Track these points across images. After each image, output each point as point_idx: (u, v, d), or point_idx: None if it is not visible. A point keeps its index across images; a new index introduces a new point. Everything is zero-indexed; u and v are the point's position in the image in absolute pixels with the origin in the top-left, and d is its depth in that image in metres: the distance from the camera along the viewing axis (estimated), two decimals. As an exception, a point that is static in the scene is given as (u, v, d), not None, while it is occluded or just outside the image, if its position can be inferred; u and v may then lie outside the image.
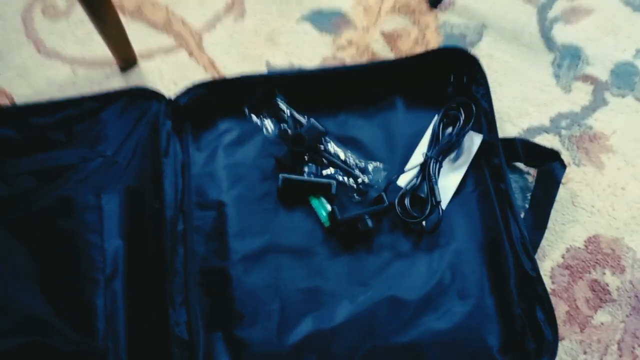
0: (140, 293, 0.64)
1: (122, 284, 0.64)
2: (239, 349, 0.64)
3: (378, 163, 0.71)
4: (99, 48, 0.81)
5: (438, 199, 0.68)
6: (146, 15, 0.85)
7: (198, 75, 0.81)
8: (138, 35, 0.83)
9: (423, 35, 0.83)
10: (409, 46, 0.83)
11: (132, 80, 0.80)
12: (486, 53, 0.83)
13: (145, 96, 0.73)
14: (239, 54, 0.82)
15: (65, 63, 0.81)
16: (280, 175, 0.70)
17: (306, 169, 0.71)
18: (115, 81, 0.80)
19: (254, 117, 0.74)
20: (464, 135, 0.73)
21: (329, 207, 0.70)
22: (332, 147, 0.72)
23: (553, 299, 0.68)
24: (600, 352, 0.66)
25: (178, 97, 0.73)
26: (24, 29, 0.84)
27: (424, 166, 0.71)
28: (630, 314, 0.68)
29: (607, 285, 0.69)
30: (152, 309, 0.63)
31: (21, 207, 0.68)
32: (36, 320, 0.61)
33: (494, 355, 0.64)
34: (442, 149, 0.71)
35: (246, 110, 0.74)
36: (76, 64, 0.81)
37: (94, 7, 0.67)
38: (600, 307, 0.68)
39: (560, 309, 0.68)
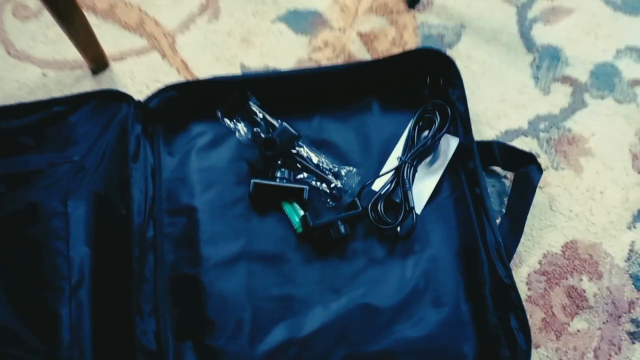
0: (106, 302, 0.63)
1: (88, 293, 0.63)
2: (209, 358, 0.63)
3: (352, 168, 0.70)
4: (70, 50, 0.79)
5: (412, 205, 0.67)
6: (118, 15, 0.83)
7: (171, 77, 0.79)
8: (110, 36, 0.81)
9: (400, 36, 0.82)
10: (386, 47, 0.81)
11: (103, 82, 0.79)
12: (464, 54, 0.81)
13: (115, 99, 0.71)
14: (213, 55, 0.81)
15: (36, 65, 0.80)
16: (252, 181, 0.69)
17: (278, 174, 0.69)
18: (87, 84, 0.79)
19: (227, 120, 0.73)
20: (439, 139, 0.71)
21: (301, 213, 0.68)
22: (306, 151, 0.71)
23: (529, 306, 0.68)
24: (576, 359, 0.65)
25: (148, 100, 0.72)
26: (-7, 31, 0.82)
27: (398, 170, 0.70)
28: (607, 321, 0.67)
29: (584, 291, 0.68)
30: (119, 318, 0.62)
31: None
32: (1, 329, 0.60)
33: (468, 364, 0.63)
34: (417, 153, 0.70)
35: (219, 114, 0.73)
36: (47, 67, 0.80)
37: (60, 10, 0.66)
38: (577, 314, 0.67)
39: (537, 315, 0.67)
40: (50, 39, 0.82)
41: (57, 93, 0.78)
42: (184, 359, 0.63)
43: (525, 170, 0.70)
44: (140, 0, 0.84)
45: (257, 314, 0.65)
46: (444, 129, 0.71)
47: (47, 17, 0.82)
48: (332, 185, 0.69)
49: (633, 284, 0.69)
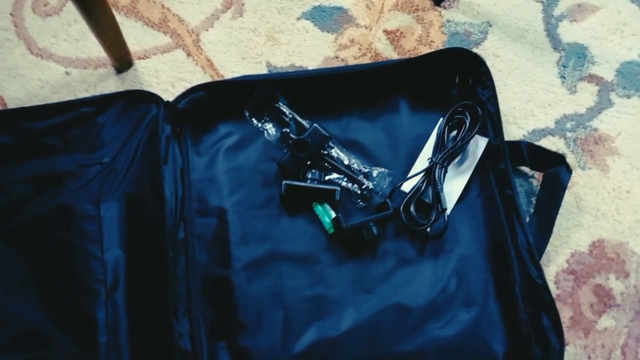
0: (142, 304, 0.63)
1: (123, 296, 0.63)
2: (243, 358, 0.64)
3: (383, 169, 0.70)
4: (94, 47, 0.78)
5: (444, 206, 0.67)
6: (141, 12, 0.82)
7: (196, 75, 0.79)
8: (133, 34, 0.80)
9: (427, 34, 0.82)
10: (412, 45, 0.81)
11: (127, 81, 0.78)
12: (491, 52, 0.81)
13: (143, 99, 0.71)
14: (238, 53, 0.80)
15: (58, 64, 0.79)
16: (284, 182, 0.69)
17: (309, 175, 0.69)
18: (111, 82, 0.78)
19: (254, 120, 0.72)
20: (469, 140, 0.71)
21: (333, 214, 0.69)
22: (336, 152, 0.71)
23: (557, 304, 0.68)
24: (604, 357, 0.67)
25: (177, 100, 0.71)
26: (14, 28, 0.81)
27: (429, 171, 0.70)
28: (634, 319, 0.68)
29: (611, 290, 0.69)
30: (154, 320, 0.62)
31: (18, 215, 0.66)
32: (36, 334, 0.60)
33: (499, 363, 0.64)
34: (448, 154, 0.70)
35: (247, 114, 0.72)
36: (70, 65, 0.79)
37: (89, 8, 0.65)
38: (605, 312, 0.68)
39: (565, 314, 0.68)
40: (73, 37, 0.81)
41: (81, 92, 0.77)
42: (218, 359, 0.63)
43: (555, 171, 0.70)
44: (163, -4, 0.83)
45: (289, 314, 0.65)
46: (475, 130, 0.71)
47: (68, 13, 0.82)
48: (364, 186, 0.69)
49: (660, 283, 0.70)
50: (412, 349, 0.64)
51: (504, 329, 0.65)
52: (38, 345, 0.60)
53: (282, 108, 0.72)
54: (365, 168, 0.70)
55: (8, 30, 0.80)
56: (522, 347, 0.64)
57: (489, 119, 0.72)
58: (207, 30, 0.82)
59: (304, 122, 0.71)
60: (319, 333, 0.65)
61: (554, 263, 0.71)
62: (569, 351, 0.67)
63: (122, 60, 0.77)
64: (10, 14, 0.81)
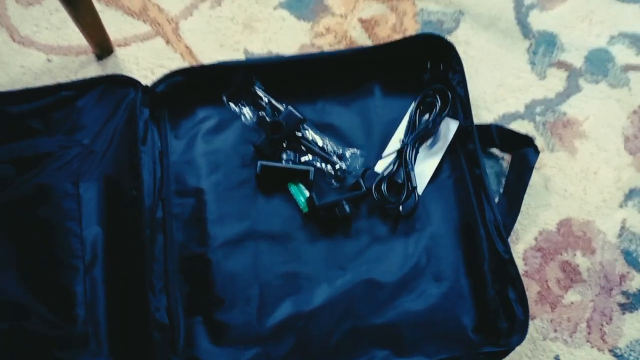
0: (120, 280, 0.65)
1: (101, 271, 0.64)
2: (219, 332, 0.65)
3: (355, 150, 0.72)
4: (75, 35, 0.80)
5: (414, 185, 0.69)
6: (122, 1, 0.84)
7: (175, 62, 0.80)
8: (114, 22, 0.82)
9: (401, 23, 0.84)
10: (386, 33, 0.83)
11: (108, 68, 0.80)
12: (463, 40, 0.84)
13: (122, 84, 0.72)
14: (217, 41, 0.82)
15: (40, 51, 0.81)
16: (259, 163, 0.70)
17: (284, 156, 0.71)
18: (92, 69, 0.80)
19: (232, 105, 0.74)
20: (440, 122, 0.74)
21: (307, 193, 0.71)
22: (310, 134, 0.73)
23: (525, 280, 0.70)
24: (570, 330, 0.69)
25: (155, 85, 0.73)
26: (-3, 16, 0.82)
27: (400, 152, 0.72)
28: (599, 294, 0.70)
29: (578, 266, 0.72)
30: (132, 295, 0.64)
31: (1, 194, 0.67)
32: (15, 305, 0.62)
33: (468, 335, 0.66)
34: (419, 135, 0.72)
35: (224, 98, 0.74)
36: (51, 52, 0.81)
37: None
38: (571, 287, 0.71)
39: (532, 289, 0.70)
40: (54, 25, 0.82)
41: (62, 78, 0.79)
42: (195, 333, 0.65)
43: (522, 151, 0.73)
44: (144, -14, 0.85)
45: (264, 290, 0.67)
46: (445, 113, 0.73)
47: (49, 2, 0.83)
48: (337, 166, 0.71)
49: (624, 258, 0.72)
50: (384, 322, 0.66)
51: (472, 304, 0.68)
52: (17, 316, 0.61)
53: (258, 92, 0.74)
54: (339, 149, 0.72)
55: (-9, 19, 0.82)
56: (490, 320, 0.66)
57: (459, 102, 0.75)
58: (186, 19, 0.84)
59: (279, 106, 0.73)
60: (293, 307, 0.66)
61: (523, 241, 0.73)
62: (536, 324, 0.69)
63: (102, 47, 0.79)
64: (-6, 3, 0.83)
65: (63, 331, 0.61)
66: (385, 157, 0.73)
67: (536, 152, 0.72)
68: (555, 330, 0.69)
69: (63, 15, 0.81)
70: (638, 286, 0.71)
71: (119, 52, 0.81)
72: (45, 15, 0.83)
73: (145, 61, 0.81)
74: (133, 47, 0.81)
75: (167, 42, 0.82)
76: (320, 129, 0.75)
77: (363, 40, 0.83)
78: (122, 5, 0.84)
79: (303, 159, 0.73)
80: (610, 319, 0.69)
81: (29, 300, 0.61)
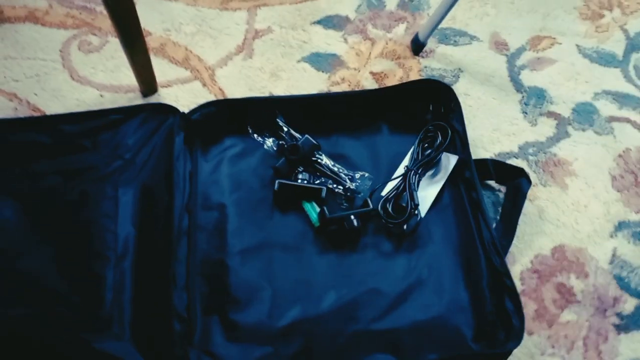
0: (146, 275, 0.71)
1: (130, 264, 0.71)
2: (233, 330, 0.70)
3: (365, 173, 0.80)
4: (125, 78, 0.93)
5: (416, 202, 0.76)
6: (168, 52, 0.98)
7: (209, 101, 0.92)
8: (159, 69, 0.95)
9: (407, 76, 0.96)
10: (394, 84, 0.95)
11: (151, 103, 0.92)
12: (462, 92, 0.95)
13: (163, 111, 0.83)
14: (246, 85, 0.94)
15: (94, 88, 0.93)
16: (277, 180, 0.79)
17: (300, 177, 0.80)
18: (137, 104, 0.92)
19: (256, 135, 0.84)
20: (441, 153, 0.82)
21: (319, 210, 0.78)
22: (324, 159, 0.82)
23: (523, 299, 0.74)
24: (567, 347, 0.71)
25: (191, 113, 0.84)
26: (61, 60, 0.96)
27: (405, 176, 0.80)
28: (594, 314, 0.73)
29: (572, 288, 0.76)
30: (156, 289, 0.70)
31: (48, 200, 0.76)
32: (50, 291, 0.68)
33: (468, 344, 0.69)
34: (422, 163, 0.81)
35: (249, 129, 0.85)
36: (104, 90, 0.93)
37: (128, 36, 0.80)
38: (566, 306, 0.74)
39: (530, 307, 0.74)
40: (109, 69, 0.96)
41: (111, 111, 0.91)
42: (211, 330, 0.70)
43: (517, 181, 0.80)
44: (188, 41, 0.99)
45: (276, 294, 0.72)
46: (444, 145, 0.82)
47: (107, 51, 0.98)
48: (347, 186, 0.79)
49: (617, 283, 0.76)
50: (386, 328, 0.70)
51: (472, 316, 0.71)
52: (49, 302, 0.67)
53: (279, 123, 0.84)
54: (349, 173, 0.81)
55: (56, 62, 0.96)
56: (489, 331, 0.70)
57: (458, 138, 0.84)
58: (221, 67, 0.97)
59: (298, 135, 0.83)
60: (302, 311, 0.71)
61: (519, 263, 0.78)
62: (534, 340, 0.72)
63: (148, 87, 0.92)
64: (60, 50, 0.98)
65: (90, 314, 0.66)
66: (392, 180, 0.81)
67: (529, 182, 0.80)
68: (553, 347, 0.71)
69: (117, 62, 0.95)
70: (632, 308, 0.74)
71: (162, 91, 0.93)
72: (102, 60, 0.97)
73: (183, 99, 0.93)
74: (174, 88, 0.94)
75: (204, 84, 0.94)
76: (333, 158, 0.84)
77: (374, 89, 0.95)
78: (168, 55, 0.98)
79: (317, 181, 0.81)
80: (606, 339, 0.72)
81: (64, 286, 0.67)
